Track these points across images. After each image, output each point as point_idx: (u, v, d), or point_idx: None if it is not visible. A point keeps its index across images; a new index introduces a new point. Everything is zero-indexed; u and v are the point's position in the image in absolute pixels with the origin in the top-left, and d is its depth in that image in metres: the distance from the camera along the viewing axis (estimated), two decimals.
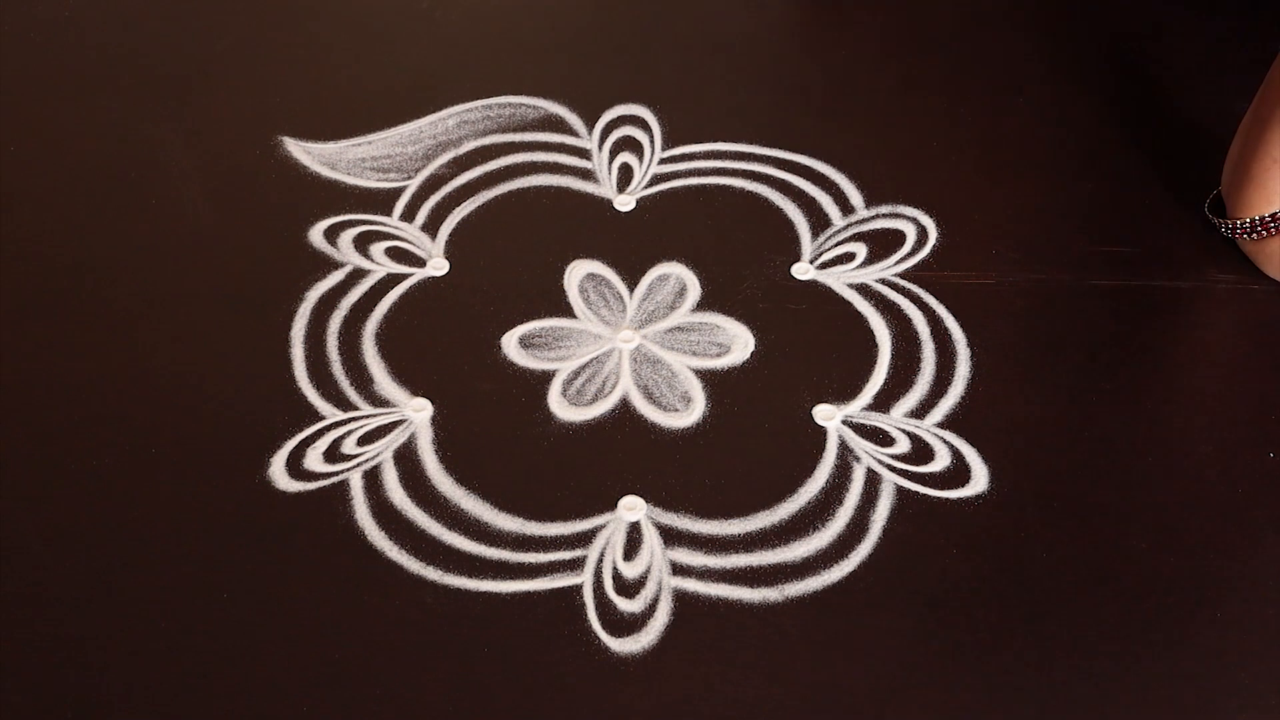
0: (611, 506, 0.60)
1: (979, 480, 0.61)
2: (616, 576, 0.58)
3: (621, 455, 0.62)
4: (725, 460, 0.62)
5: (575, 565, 0.58)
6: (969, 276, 0.71)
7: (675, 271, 0.71)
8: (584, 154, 0.79)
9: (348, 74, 0.85)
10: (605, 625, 0.56)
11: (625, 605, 0.57)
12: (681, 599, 0.57)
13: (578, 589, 0.57)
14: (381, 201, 0.76)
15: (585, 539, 0.59)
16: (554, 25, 0.90)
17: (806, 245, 0.73)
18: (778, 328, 0.68)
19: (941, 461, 0.62)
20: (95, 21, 0.90)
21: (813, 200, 0.76)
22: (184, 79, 0.85)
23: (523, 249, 0.73)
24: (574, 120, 0.81)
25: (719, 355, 0.67)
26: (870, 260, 0.72)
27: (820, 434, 0.63)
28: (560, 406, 0.65)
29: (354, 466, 0.62)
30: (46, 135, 0.81)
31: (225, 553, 0.58)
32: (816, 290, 0.70)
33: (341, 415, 0.64)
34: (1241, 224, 0.69)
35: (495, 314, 0.69)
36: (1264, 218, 0.68)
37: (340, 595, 0.57)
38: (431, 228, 0.74)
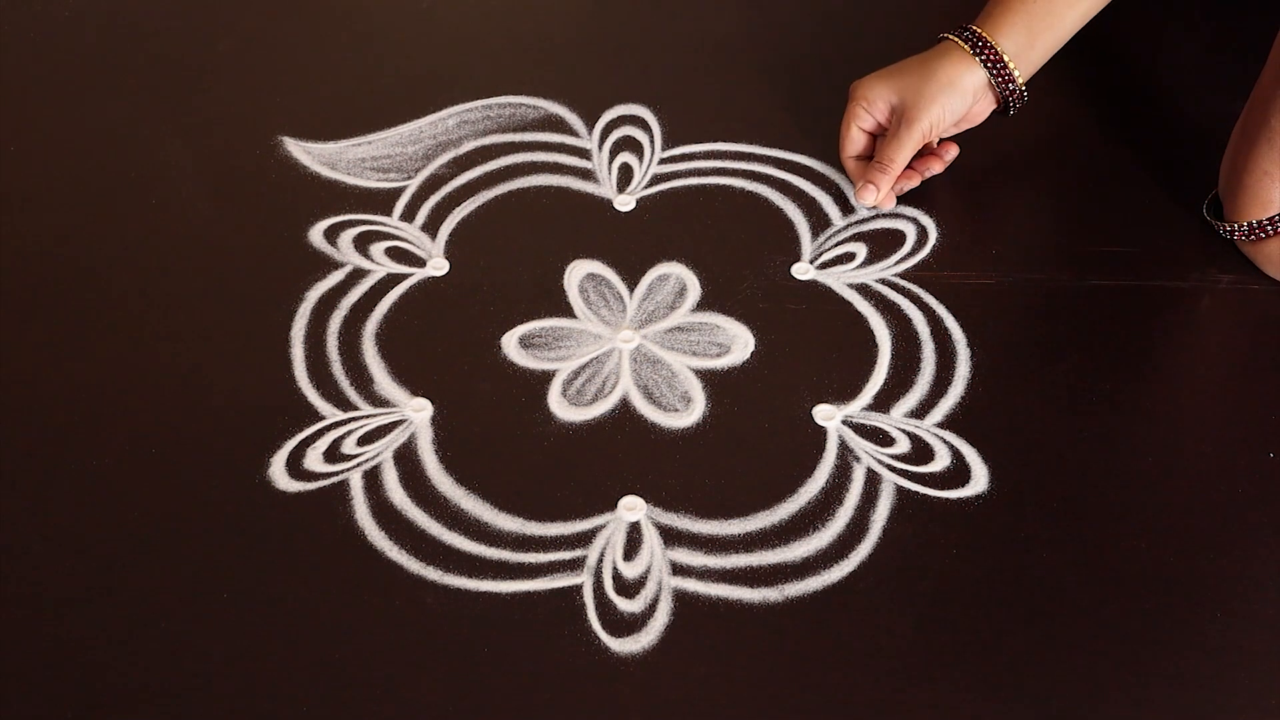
0: (611, 506, 0.60)
1: (979, 480, 0.61)
2: (616, 576, 0.58)
3: (621, 455, 0.62)
4: (725, 460, 0.62)
5: (575, 565, 0.58)
6: (969, 276, 0.71)
7: (675, 271, 0.71)
8: (584, 154, 0.79)
9: (348, 74, 0.85)
10: (605, 625, 0.56)
11: (625, 605, 0.57)
12: (681, 599, 0.57)
13: (578, 589, 0.57)
14: (381, 201, 0.76)
15: (585, 539, 0.59)
16: (554, 25, 0.90)
17: (806, 245, 0.73)
18: (778, 328, 0.68)
19: (941, 461, 0.62)
20: (95, 21, 0.90)
21: (813, 200, 0.76)
22: (184, 79, 0.85)
23: (523, 249, 0.73)
24: (574, 120, 0.81)
25: (719, 355, 0.67)
26: (870, 260, 0.72)
27: (820, 434, 0.63)
28: (560, 406, 0.65)
29: (354, 466, 0.62)
30: (46, 135, 0.81)
31: (225, 553, 0.58)
32: (816, 290, 0.70)
33: (341, 415, 0.64)
34: (1239, 227, 0.70)
35: (495, 314, 0.69)
36: (1260, 221, 0.69)
37: (340, 595, 0.57)
38: (431, 228, 0.74)
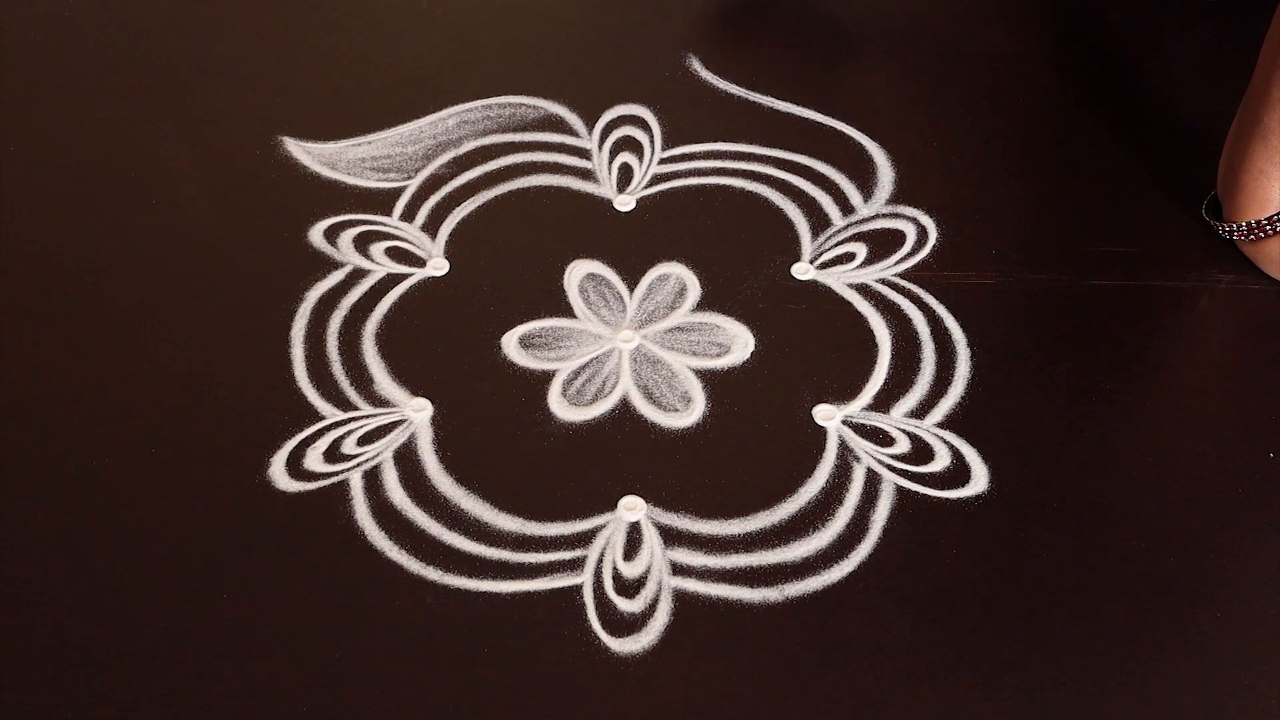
0: (611, 506, 0.60)
1: (979, 480, 0.61)
2: (616, 576, 0.58)
3: (621, 455, 0.62)
4: (725, 460, 0.62)
5: (575, 565, 0.58)
6: (969, 276, 0.71)
7: (675, 271, 0.71)
8: (584, 154, 0.79)
9: (348, 74, 0.85)
10: (605, 625, 0.56)
11: (625, 605, 0.57)
12: (681, 599, 0.57)
13: (578, 589, 0.57)
14: (381, 201, 0.76)
15: (585, 539, 0.59)
16: (554, 25, 0.90)
17: (806, 245, 0.73)
18: (778, 328, 0.68)
19: (941, 461, 0.62)
20: (95, 21, 0.90)
21: (813, 200, 0.76)
22: (184, 79, 0.85)
23: (523, 249, 0.73)
24: (574, 120, 0.81)
25: (719, 355, 0.67)
26: (870, 260, 0.72)
27: (820, 434, 0.63)
28: (560, 406, 0.65)
29: (354, 466, 0.62)
30: (46, 135, 0.81)
31: (225, 553, 0.58)
32: (816, 290, 0.70)
33: (341, 415, 0.64)
34: (1238, 227, 0.70)
35: (495, 314, 0.69)
36: (1259, 221, 0.68)
37: (340, 595, 0.57)
38: (431, 228, 0.74)
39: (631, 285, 0.71)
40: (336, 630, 0.56)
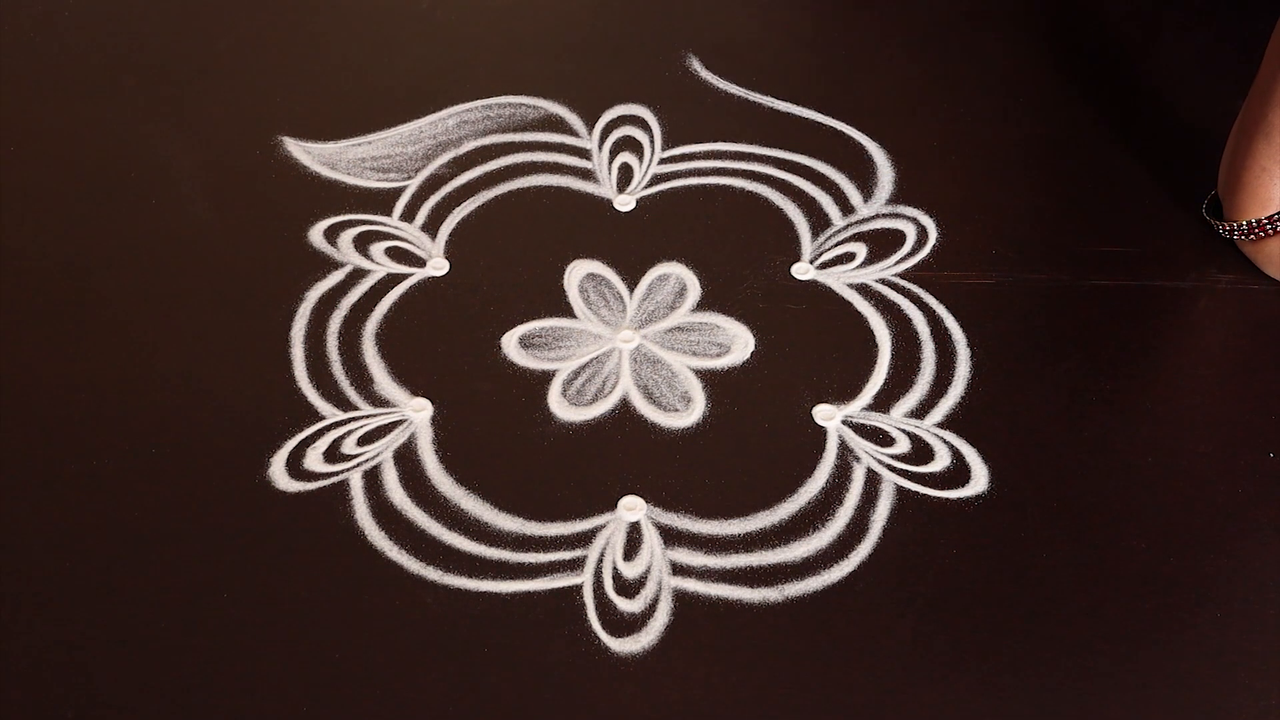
0: (611, 506, 0.60)
1: (979, 480, 0.61)
2: (616, 576, 0.58)
3: (621, 455, 0.62)
4: (725, 460, 0.62)
5: (575, 565, 0.58)
6: (969, 276, 0.71)
7: (675, 271, 0.71)
8: (584, 154, 0.79)
9: (348, 74, 0.85)
10: (605, 625, 0.56)
11: (625, 605, 0.57)
12: (681, 599, 0.57)
13: (578, 589, 0.57)
14: (381, 201, 0.76)
15: (585, 539, 0.59)
16: (554, 25, 0.90)
17: (806, 245, 0.73)
18: (778, 328, 0.68)
19: (941, 461, 0.62)
20: (95, 21, 0.90)
21: (813, 200, 0.76)
22: (184, 79, 0.85)
23: (523, 249, 0.73)
24: (574, 120, 0.81)
25: (719, 355, 0.67)
26: (870, 260, 0.72)
27: (820, 434, 0.63)
28: (560, 406, 0.65)
29: (354, 466, 0.62)
30: (46, 135, 0.81)
31: (225, 553, 0.58)
32: (816, 290, 0.70)
33: (341, 415, 0.64)
34: (1239, 226, 0.70)
35: (495, 314, 0.69)
36: (1260, 220, 0.68)
37: (340, 595, 0.57)
38: (431, 228, 0.74)
39: (631, 285, 0.71)
40: (336, 630, 0.56)
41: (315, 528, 0.59)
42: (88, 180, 0.77)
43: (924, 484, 0.61)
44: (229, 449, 0.62)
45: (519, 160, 0.78)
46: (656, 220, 0.75)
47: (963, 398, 0.65)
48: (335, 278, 0.71)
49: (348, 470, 0.62)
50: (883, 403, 0.65)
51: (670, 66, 0.85)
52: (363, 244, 0.73)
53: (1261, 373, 0.66)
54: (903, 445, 0.63)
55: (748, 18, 0.90)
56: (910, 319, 0.69)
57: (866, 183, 0.76)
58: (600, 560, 0.58)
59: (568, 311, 0.69)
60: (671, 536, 0.59)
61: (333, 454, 0.62)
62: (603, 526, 0.60)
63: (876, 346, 0.67)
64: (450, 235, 0.74)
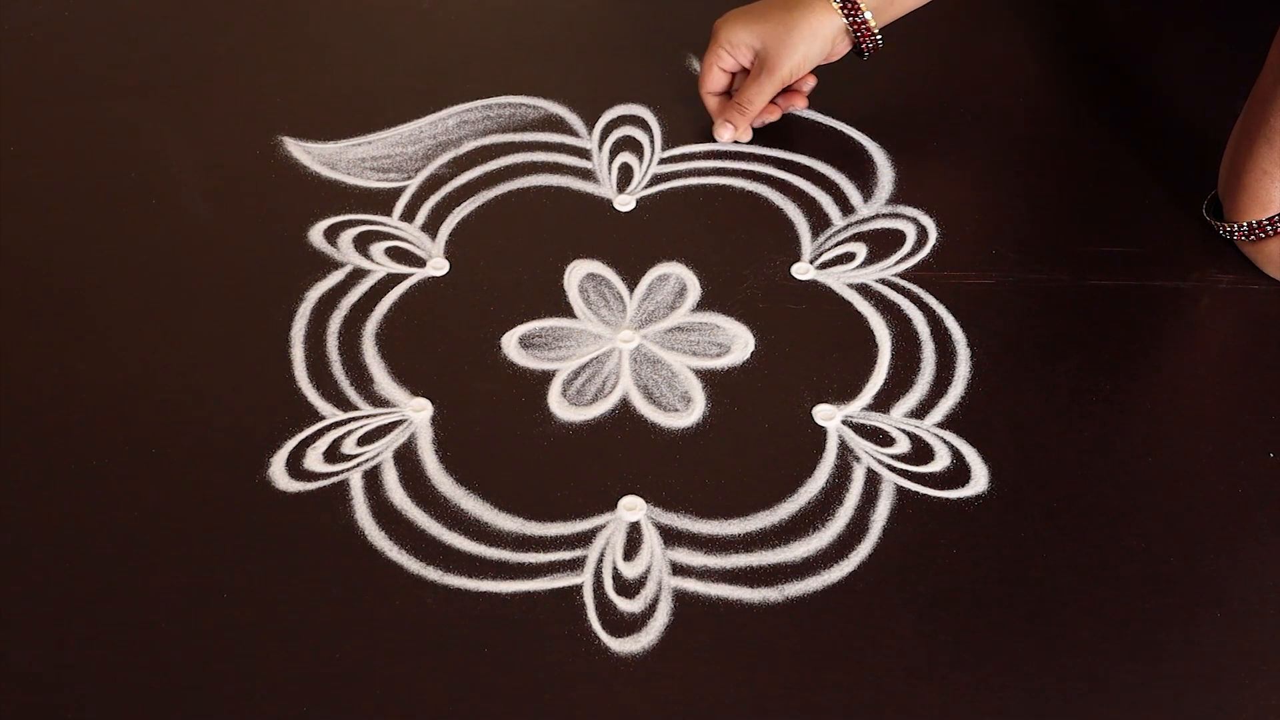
0: (611, 506, 0.60)
1: (979, 480, 0.61)
2: (616, 576, 0.58)
3: (621, 455, 0.62)
4: (725, 460, 0.62)
5: (575, 565, 0.58)
6: (969, 276, 0.71)
7: (675, 271, 0.71)
8: (584, 154, 0.79)
9: (348, 74, 0.85)
10: (605, 625, 0.56)
11: (625, 605, 0.57)
12: (681, 599, 0.57)
13: (578, 589, 0.57)
14: (381, 201, 0.76)
15: (585, 539, 0.59)
16: (554, 25, 0.90)
17: (806, 245, 0.73)
18: (778, 328, 0.68)
19: (941, 461, 0.62)
20: (96, 21, 0.90)
21: (813, 200, 0.76)
22: (184, 79, 0.85)
23: (523, 249, 0.73)
24: (574, 120, 0.81)
25: (719, 355, 0.67)
26: (870, 260, 0.72)
27: (820, 434, 0.63)
28: (560, 406, 0.65)
29: (354, 466, 0.62)
30: (46, 135, 0.81)
31: (225, 553, 0.58)
32: (816, 290, 0.70)
33: (341, 415, 0.64)
34: (1239, 227, 0.70)
35: (495, 314, 0.69)
36: (1260, 221, 0.68)
37: (340, 595, 0.57)
38: (431, 228, 0.74)
39: (631, 285, 0.71)
40: (336, 630, 0.56)
41: (315, 528, 0.59)
42: (88, 180, 0.77)
43: (924, 484, 0.61)
44: (229, 449, 0.62)
45: (519, 160, 0.78)
46: (656, 220, 0.75)
47: (963, 398, 0.65)
48: (335, 278, 0.71)
49: (348, 470, 0.62)
50: (883, 403, 0.65)
51: (670, 66, 0.85)
52: (363, 244, 0.73)
53: (1261, 373, 0.66)
54: (903, 445, 0.63)
55: None
56: (910, 319, 0.69)
57: (866, 183, 0.76)
58: (600, 560, 0.58)
59: (568, 311, 0.69)
60: (671, 536, 0.59)
61: (333, 454, 0.62)
62: (603, 526, 0.60)
63: (876, 346, 0.67)
64: (450, 235, 0.74)
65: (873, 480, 0.61)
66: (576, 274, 0.71)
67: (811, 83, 0.79)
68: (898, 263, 0.72)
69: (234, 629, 0.56)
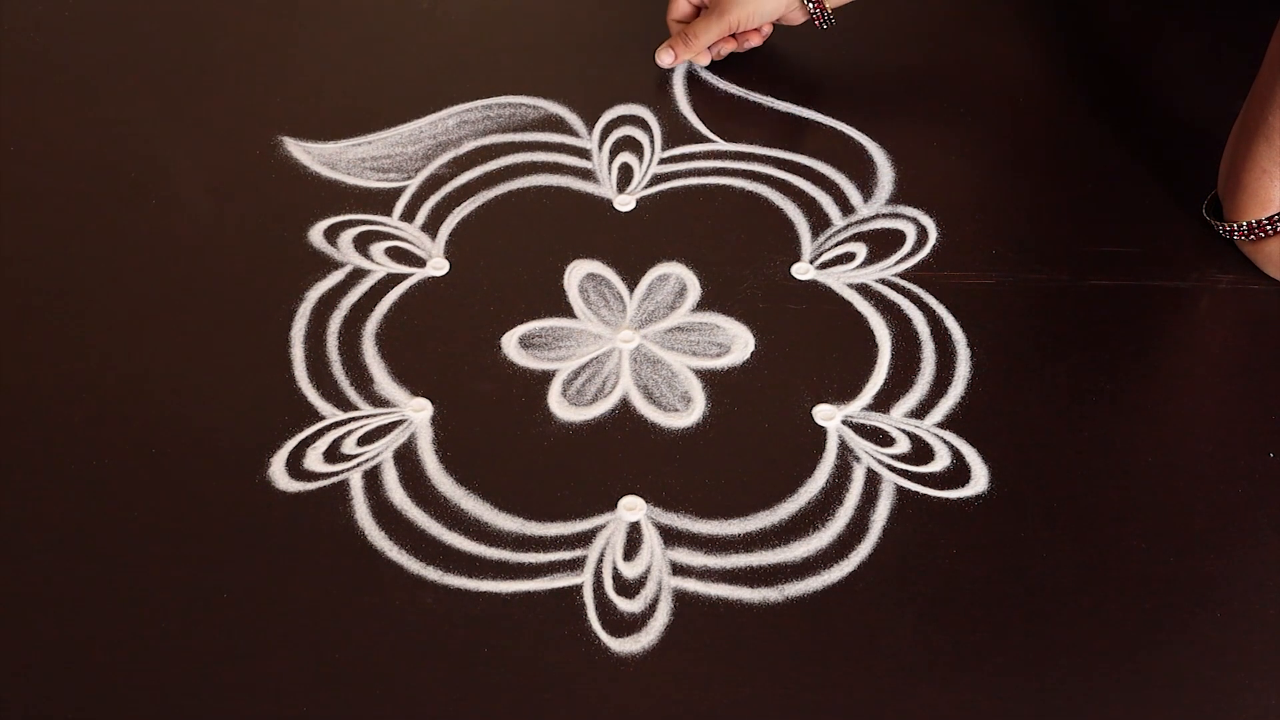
0: (611, 507, 0.60)
1: (979, 480, 0.61)
2: (616, 576, 0.58)
3: (621, 455, 0.62)
4: (725, 460, 0.62)
5: (575, 565, 0.58)
6: (969, 276, 0.71)
7: (675, 271, 0.71)
8: (584, 154, 0.79)
9: (348, 74, 0.85)
10: (605, 625, 0.56)
11: (625, 605, 0.57)
12: (681, 599, 0.57)
13: (578, 589, 0.57)
14: (381, 201, 0.76)
15: (585, 539, 0.59)
16: (554, 25, 0.90)
17: (806, 245, 0.73)
18: (778, 328, 0.68)
19: (941, 461, 0.62)
20: (96, 21, 0.90)
21: (813, 200, 0.76)
22: (184, 79, 0.85)
23: (523, 249, 0.73)
24: (574, 120, 0.81)
25: (719, 355, 0.67)
26: (870, 260, 0.72)
27: (820, 434, 0.63)
28: (560, 406, 0.65)
29: (354, 466, 0.62)
30: (46, 135, 0.81)
31: (225, 553, 0.58)
32: (816, 290, 0.70)
33: (341, 415, 0.64)
34: (1239, 226, 0.70)
35: (495, 314, 0.69)
36: (1260, 220, 0.69)
37: (340, 595, 0.57)
38: (431, 228, 0.74)
39: (631, 285, 0.71)
40: (336, 630, 0.56)
41: (315, 528, 0.59)
42: (88, 180, 0.77)
43: (924, 484, 0.61)
44: (229, 449, 0.62)
45: (519, 160, 0.78)
46: (656, 220, 0.75)
47: (963, 398, 0.65)
48: (335, 278, 0.71)
49: (348, 470, 0.62)
50: (883, 403, 0.65)
51: (670, 67, 0.85)
52: (363, 244, 0.73)
53: (1261, 373, 0.66)
54: (903, 445, 0.63)
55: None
56: (910, 319, 0.69)
57: (866, 183, 0.76)
58: (600, 560, 0.58)
59: (568, 311, 0.69)
60: (671, 536, 0.59)
61: (333, 454, 0.62)
62: (603, 526, 0.60)
63: (876, 346, 0.67)
64: (450, 235, 0.74)
65: (873, 480, 0.61)
66: (576, 274, 0.71)
67: (768, 30, 0.84)
68: (898, 263, 0.72)
69: (234, 629, 0.56)
